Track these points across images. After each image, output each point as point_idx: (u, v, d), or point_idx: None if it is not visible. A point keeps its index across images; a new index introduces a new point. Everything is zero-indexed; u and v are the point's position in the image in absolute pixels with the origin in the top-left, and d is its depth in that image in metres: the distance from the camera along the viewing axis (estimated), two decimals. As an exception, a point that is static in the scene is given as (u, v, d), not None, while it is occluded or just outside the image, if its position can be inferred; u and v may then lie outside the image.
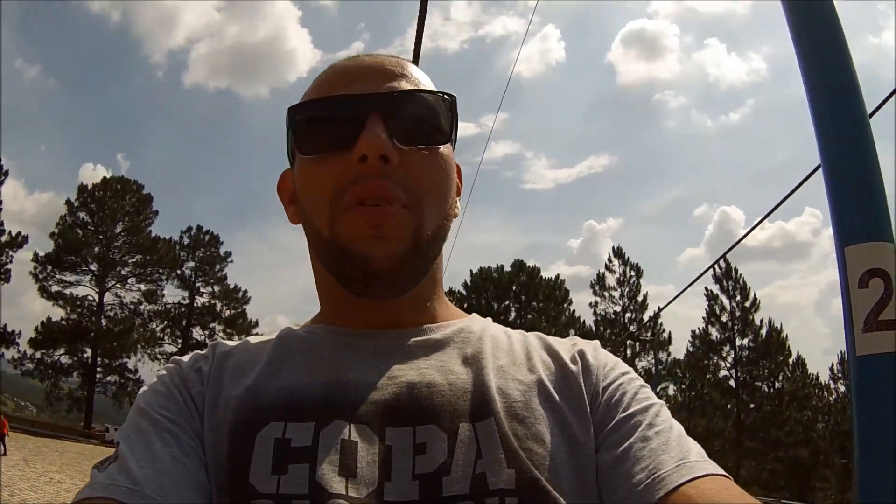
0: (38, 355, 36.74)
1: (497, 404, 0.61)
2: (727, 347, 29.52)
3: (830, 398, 29.70)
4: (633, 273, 33.76)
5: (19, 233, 36.95)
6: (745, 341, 29.16)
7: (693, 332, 30.57)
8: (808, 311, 76.46)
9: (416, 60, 5.38)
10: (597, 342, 0.73)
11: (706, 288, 29.91)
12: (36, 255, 37.87)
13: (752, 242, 66.11)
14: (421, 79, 0.70)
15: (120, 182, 40.26)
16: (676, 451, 0.57)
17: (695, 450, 0.58)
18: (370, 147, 0.62)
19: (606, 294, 33.71)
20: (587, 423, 0.62)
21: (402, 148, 0.64)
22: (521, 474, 0.56)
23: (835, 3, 1.77)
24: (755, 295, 29.89)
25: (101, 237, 38.75)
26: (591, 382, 0.66)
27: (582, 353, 0.69)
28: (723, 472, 0.56)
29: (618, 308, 33.21)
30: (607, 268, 34.26)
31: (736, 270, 29.94)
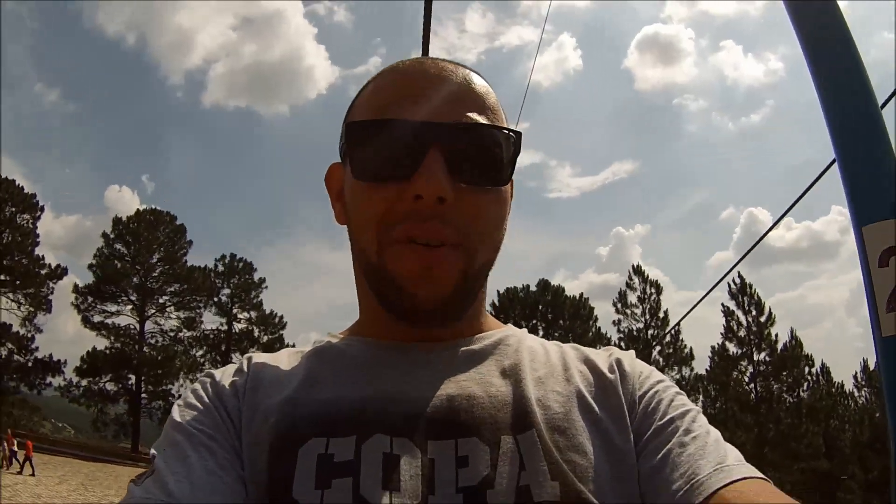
0: (84, 383, 38.51)
1: (537, 416, 0.62)
2: (745, 362, 30.60)
3: (854, 406, 30.31)
4: (653, 290, 35.06)
5: (59, 265, 38.88)
6: (763, 355, 30.31)
7: (712, 347, 31.80)
8: (840, 312, 74.39)
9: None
10: (632, 352, 0.75)
11: (723, 304, 31.33)
12: (76, 286, 39.76)
13: (780, 244, 65.30)
14: (488, 95, 0.69)
15: (153, 213, 41.97)
16: (714, 455, 0.57)
17: (732, 454, 0.58)
18: (428, 188, 0.61)
19: (629, 311, 35.06)
20: (626, 432, 0.63)
21: (460, 186, 0.63)
22: (566, 486, 0.57)
23: (849, 1, 1.98)
24: (770, 309, 31.08)
25: (138, 268, 40.49)
26: (628, 391, 0.67)
27: (619, 362, 0.71)
28: (761, 475, 0.56)
29: (640, 325, 34.40)
30: (628, 285, 35.57)
31: (751, 286, 31.25)
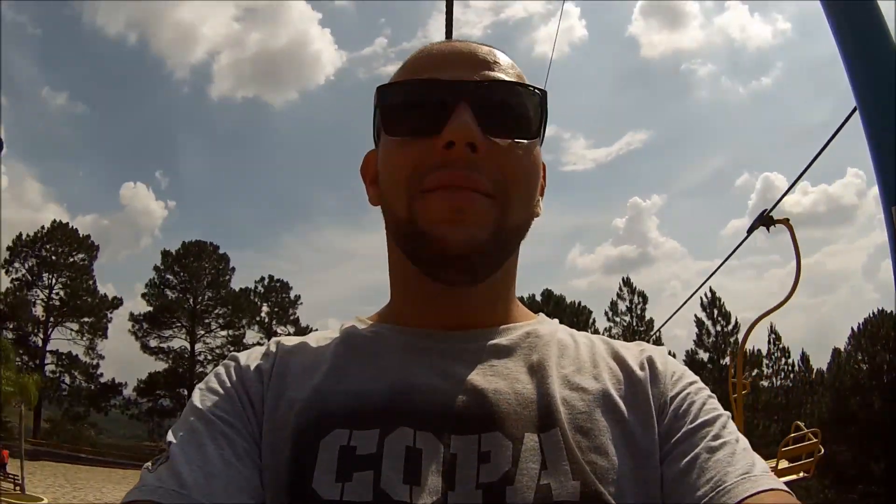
0: (142, 400, 44.11)
1: (562, 415, 0.61)
2: (711, 366, 35.23)
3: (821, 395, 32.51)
4: (640, 300, 40.64)
5: (115, 296, 44.61)
6: (727, 360, 34.34)
7: (686, 352, 36.85)
8: (857, 277, 70.48)
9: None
10: (664, 348, 0.73)
11: (695, 315, 36.42)
12: (131, 314, 45.25)
13: (797, 209, 59.45)
14: (512, 69, 0.70)
15: (198, 245, 47.25)
16: (742, 464, 0.57)
17: (759, 464, 0.58)
18: (458, 134, 0.61)
19: (618, 319, 40.55)
20: (652, 433, 0.63)
21: (490, 139, 0.63)
22: (586, 487, 0.56)
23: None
24: (736, 319, 36.15)
25: (188, 295, 45.96)
26: (658, 391, 0.66)
27: (651, 360, 0.69)
28: (786, 488, 0.55)
29: (628, 331, 39.50)
30: (619, 296, 40.97)
31: (720, 299, 36.39)
